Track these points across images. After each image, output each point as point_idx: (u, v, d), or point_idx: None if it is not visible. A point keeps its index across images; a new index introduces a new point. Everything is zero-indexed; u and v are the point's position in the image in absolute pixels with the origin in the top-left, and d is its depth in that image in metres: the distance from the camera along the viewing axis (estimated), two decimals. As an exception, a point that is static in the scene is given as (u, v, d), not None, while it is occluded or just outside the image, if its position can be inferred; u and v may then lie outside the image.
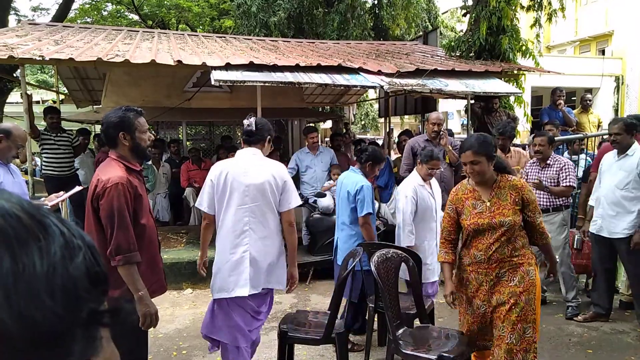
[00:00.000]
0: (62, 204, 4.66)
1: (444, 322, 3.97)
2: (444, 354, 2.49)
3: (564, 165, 4.30)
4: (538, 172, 4.41)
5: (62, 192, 3.47)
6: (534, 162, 4.53)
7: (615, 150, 3.99)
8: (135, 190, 2.27)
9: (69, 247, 0.47)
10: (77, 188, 3.50)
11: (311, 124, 6.93)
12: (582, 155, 5.44)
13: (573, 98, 16.06)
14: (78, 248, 0.48)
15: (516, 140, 6.12)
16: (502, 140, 4.90)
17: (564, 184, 4.26)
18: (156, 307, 2.30)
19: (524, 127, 8.44)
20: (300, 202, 2.90)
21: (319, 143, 5.85)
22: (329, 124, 15.27)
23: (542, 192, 4.32)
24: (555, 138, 4.77)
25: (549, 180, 4.32)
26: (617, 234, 3.83)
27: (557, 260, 4.33)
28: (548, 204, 4.35)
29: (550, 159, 4.39)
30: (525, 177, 4.54)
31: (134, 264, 2.21)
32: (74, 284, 0.46)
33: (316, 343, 2.97)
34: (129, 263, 2.18)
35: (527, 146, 5.47)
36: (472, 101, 6.87)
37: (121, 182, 2.20)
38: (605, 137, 6.76)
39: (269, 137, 2.76)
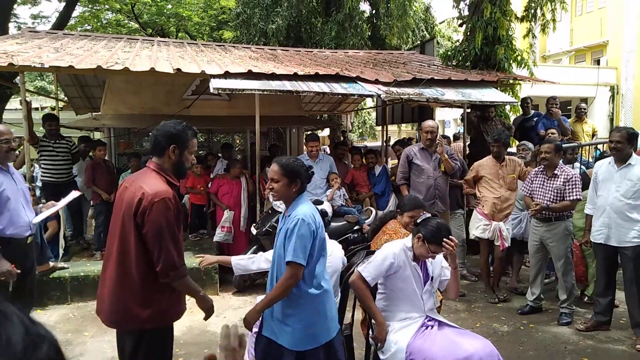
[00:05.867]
0: (60, 211, 4.67)
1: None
2: None
3: (571, 177, 4.26)
4: (544, 182, 4.37)
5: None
6: (540, 171, 4.46)
7: (610, 160, 4.01)
8: (177, 205, 2.24)
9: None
10: (75, 193, 3.52)
11: (314, 132, 6.98)
12: (577, 164, 5.49)
13: (568, 107, 16.19)
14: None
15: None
16: (497, 147, 4.93)
17: (570, 198, 4.24)
18: (211, 299, 2.46)
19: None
20: None
21: (319, 151, 5.89)
22: (326, 132, 15.35)
23: (545, 200, 4.31)
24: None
25: (554, 192, 4.28)
26: (627, 243, 3.84)
27: (561, 269, 4.36)
28: (550, 213, 4.32)
29: (557, 169, 4.34)
30: (529, 187, 4.52)
31: (186, 276, 2.24)
32: None
33: None
34: (182, 277, 2.21)
35: (515, 154, 5.53)
36: (468, 110, 6.94)
37: (168, 196, 2.14)
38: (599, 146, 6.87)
39: None
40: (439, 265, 2.85)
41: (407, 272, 2.70)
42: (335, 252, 3.00)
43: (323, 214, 3.35)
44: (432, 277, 2.77)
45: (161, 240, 2.10)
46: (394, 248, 2.73)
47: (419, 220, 2.75)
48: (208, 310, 2.41)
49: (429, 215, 2.77)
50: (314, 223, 2.32)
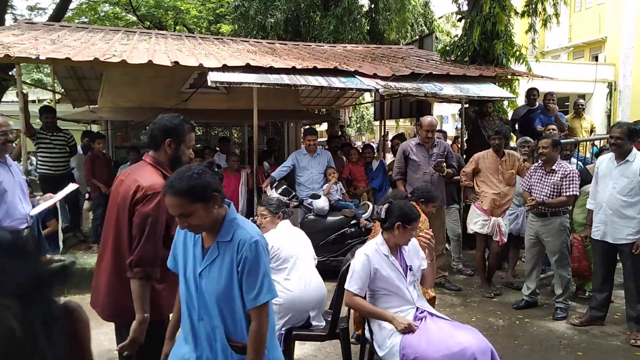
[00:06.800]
0: (58, 203, 4.66)
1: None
2: None
3: (569, 173, 4.27)
4: (542, 177, 4.39)
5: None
6: (539, 166, 4.47)
7: (611, 155, 4.01)
8: None
9: None
10: (73, 186, 3.51)
11: (312, 126, 7.01)
12: (573, 160, 5.49)
13: (566, 103, 16.22)
14: None
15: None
16: (498, 139, 4.90)
17: (566, 194, 4.24)
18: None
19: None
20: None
21: (316, 145, 5.89)
22: (324, 126, 15.35)
23: (541, 196, 4.33)
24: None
25: (551, 187, 4.30)
26: (622, 240, 3.85)
27: (556, 264, 4.38)
28: (546, 208, 4.34)
29: (555, 164, 4.34)
30: (527, 183, 4.53)
31: (150, 281, 2.08)
32: None
33: (321, 339, 3.14)
34: (146, 278, 2.05)
35: (516, 149, 5.52)
36: (466, 105, 6.94)
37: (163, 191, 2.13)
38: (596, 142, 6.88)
39: None
40: (418, 256, 2.85)
41: (386, 270, 2.71)
42: (299, 241, 3.15)
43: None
44: (411, 267, 2.78)
45: (142, 232, 2.07)
46: (366, 250, 2.75)
47: (382, 214, 2.76)
48: (133, 341, 2.03)
49: (386, 204, 2.78)
50: (263, 238, 1.83)
